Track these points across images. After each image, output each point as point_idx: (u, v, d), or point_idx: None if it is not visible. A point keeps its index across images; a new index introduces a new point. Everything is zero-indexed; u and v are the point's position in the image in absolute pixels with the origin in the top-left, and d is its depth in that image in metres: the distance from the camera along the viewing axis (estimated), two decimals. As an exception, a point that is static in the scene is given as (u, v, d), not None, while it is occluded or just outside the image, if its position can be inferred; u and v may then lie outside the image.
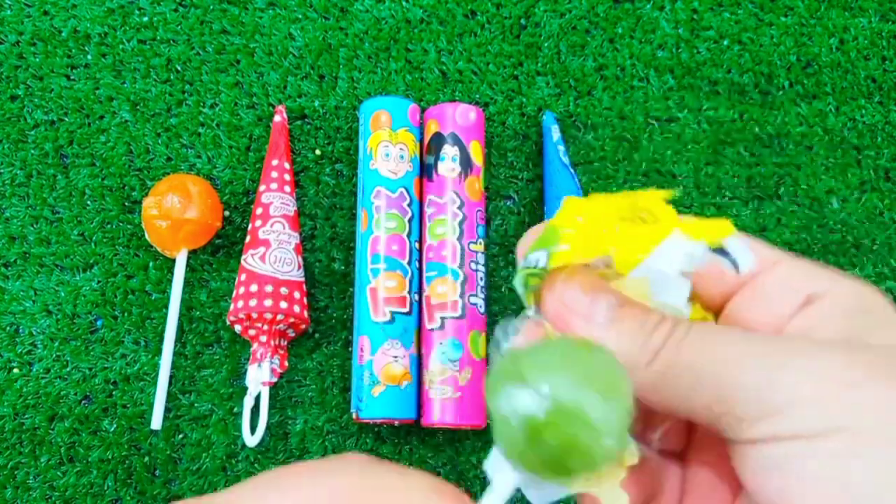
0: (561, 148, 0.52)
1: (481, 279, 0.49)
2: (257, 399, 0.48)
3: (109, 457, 0.47)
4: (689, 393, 0.20)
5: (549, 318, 0.22)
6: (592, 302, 0.21)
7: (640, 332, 0.20)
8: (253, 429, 0.47)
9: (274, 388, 0.49)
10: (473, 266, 0.49)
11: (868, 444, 0.17)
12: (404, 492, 0.19)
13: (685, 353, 0.20)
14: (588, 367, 0.19)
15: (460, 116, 0.50)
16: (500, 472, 0.20)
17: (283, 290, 0.47)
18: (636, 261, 0.21)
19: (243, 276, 0.48)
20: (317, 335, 0.50)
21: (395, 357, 0.47)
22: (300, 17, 0.55)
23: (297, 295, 0.48)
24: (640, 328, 0.21)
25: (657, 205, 0.21)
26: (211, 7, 0.55)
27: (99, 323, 0.50)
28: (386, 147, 0.50)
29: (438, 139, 0.50)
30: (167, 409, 0.48)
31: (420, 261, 0.49)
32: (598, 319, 0.21)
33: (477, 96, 0.55)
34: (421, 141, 0.52)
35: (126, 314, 0.50)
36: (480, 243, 0.49)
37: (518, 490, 0.20)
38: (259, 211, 0.49)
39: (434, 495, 0.19)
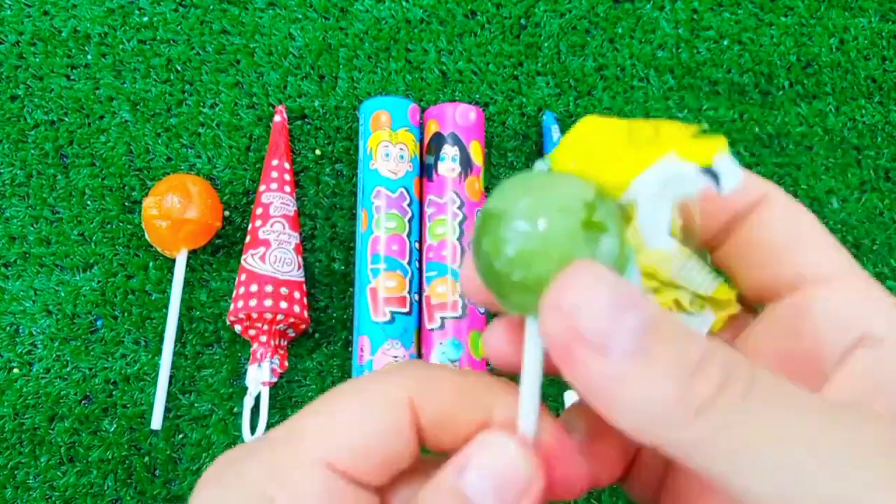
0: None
1: (481, 279, 0.49)
2: (257, 399, 0.48)
3: (109, 457, 0.47)
4: (735, 479, 0.15)
5: (549, 342, 0.16)
6: (615, 321, 0.15)
7: (677, 376, 0.15)
8: (253, 429, 0.47)
9: (274, 388, 0.49)
10: (473, 266, 0.49)
11: None
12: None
13: (743, 424, 0.15)
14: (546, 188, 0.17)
15: (460, 116, 0.50)
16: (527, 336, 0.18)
17: (283, 290, 0.47)
18: (623, 184, 0.18)
19: (243, 276, 0.48)
20: (317, 335, 0.50)
21: (395, 357, 0.47)
22: (300, 17, 0.55)
23: (297, 295, 0.48)
24: (677, 368, 0.15)
25: (670, 128, 0.18)
26: (211, 7, 0.55)
27: (99, 323, 0.50)
28: (386, 147, 0.50)
29: (438, 139, 0.50)
30: (167, 409, 0.48)
31: (420, 261, 0.49)
32: (618, 350, 0.15)
33: (477, 96, 0.55)
34: (421, 141, 0.52)
35: (126, 314, 0.50)
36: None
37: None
38: (259, 211, 0.49)
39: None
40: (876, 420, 0.16)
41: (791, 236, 0.19)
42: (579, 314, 0.15)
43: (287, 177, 0.51)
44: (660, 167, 0.17)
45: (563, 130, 0.54)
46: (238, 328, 0.49)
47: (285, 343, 0.49)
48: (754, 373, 0.15)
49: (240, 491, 0.18)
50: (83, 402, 0.48)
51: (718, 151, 0.17)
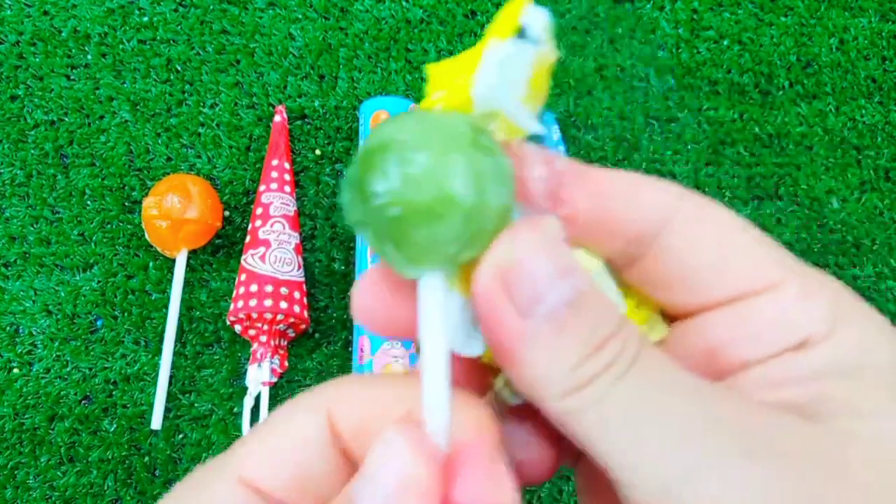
0: (561, 148, 0.52)
1: (481, 279, 0.49)
2: (257, 399, 0.48)
3: (109, 457, 0.47)
4: (595, 449, 0.16)
5: (477, 293, 0.16)
6: (548, 288, 0.16)
7: (578, 351, 0.16)
8: (253, 429, 0.47)
9: (274, 388, 0.49)
10: (473, 266, 0.49)
11: None
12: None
13: (608, 402, 0.16)
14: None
15: (460, 116, 0.50)
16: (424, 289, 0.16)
17: (283, 290, 0.47)
18: (465, 92, 0.16)
19: (243, 276, 0.48)
20: (317, 335, 0.50)
21: (395, 357, 0.47)
22: (300, 17, 0.55)
23: (297, 295, 0.48)
24: (581, 344, 0.16)
25: (491, 25, 0.17)
26: (211, 7, 0.55)
27: (99, 323, 0.50)
28: (386, 147, 0.50)
29: (438, 139, 0.50)
30: (167, 409, 0.48)
31: (420, 261, 0.49)
32: (540, 315, 0.16)
33: (477, 96, 0.55)
34: (421, 141, 0.52)
35: (126, 314, 0.50)
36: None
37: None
38: (259, 211, 0.49)
39: None
40: (735, 399, 0.16)
41: (711, 251, 0.18)
42: (517, 274, 0.16)
43: (287, 177, 0.51)
44: (485, 59, 0.16)
45: (563, 130, 0.54)
46: (238, 328, 0.49)
47: (285, 343, 0.49)
48: (640, 354, 0.16)
49: None
50: (83, 402, 0.48)
51: (521, 11, 0.16)
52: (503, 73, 0.16)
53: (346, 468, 0.18)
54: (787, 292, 0.17)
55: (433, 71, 0.18)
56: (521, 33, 0.16)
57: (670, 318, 0.19)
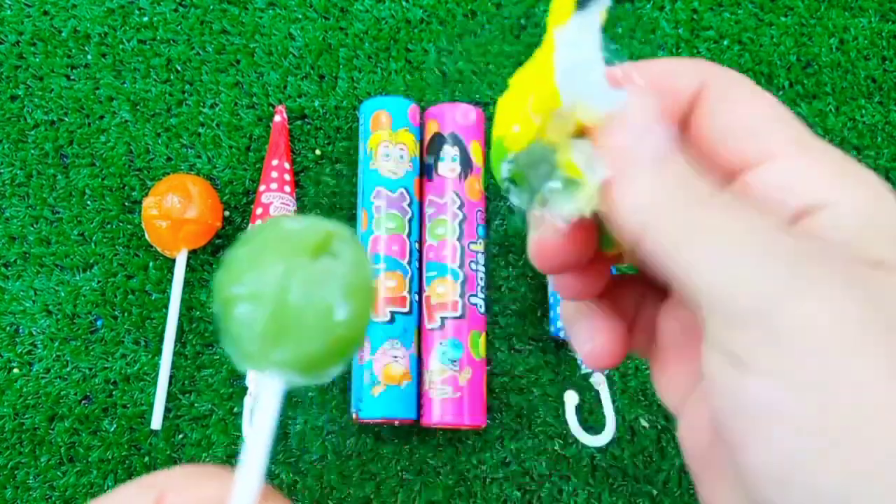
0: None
1: (481, 279, 0.49)
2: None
3: (109, 457, 0.47)
4: (682, 271, 0.17)
5: (608, 155, 0.18)
6: (645, 133, 0.18)
7: (670, 184, 0.18)
8: (253, 429, 0.47)
9: (274, 388, 0.49)
10: (473, 266, 0.49)
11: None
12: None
13: (696, 222, 0.17)
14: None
15: (460, 116, 0.50)
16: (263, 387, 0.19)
17: (283, 290, 0.47)
18: (550, 85, 0.18)
19: (243, 276, 0.48)
20: (317, 335, 0.50)
21: (395, 357, 0.47)
22: (300, 17, 0.55)
23: (297, 295, 0.48)
24: (675, 179, 0.18)
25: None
26: (211, 7, 0.55)
27: (99, 323, 0.50)
28: (386, 147, 0.50)
29: (438, 139, 0.50)
30: (167, 409, 0.48)
31: (420, 261, 0.49)
32: (644, 161, 0.18)
33: (477, 96, 0.55)
34: (421, 141, 0.52)
35: (126, 314, 0.50)
36: (480, 243, 0.49)
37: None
38: (259, 211, 0.49)
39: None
40: (808, 235, 0.17)
41: (737, 120, 0.19)
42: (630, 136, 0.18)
43: (287, 177, 0.51)
44: (558, 46, 0.18)
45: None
46: (238, 328, 0.49)
47: (285, 343, 0.49)
48: (732, 194, 0.18)
49: None
50: (83, 402, 0.48)
51: None
52: (577, 51, 0.18)
53: None
54: (785, 163, 0.18)
55: (502, 103, 0.20)
56: (579, 4, 0.18)
57: None
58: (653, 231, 0.17)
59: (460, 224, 0.49)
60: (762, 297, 0.15)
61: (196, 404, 0.48)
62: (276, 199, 0.50)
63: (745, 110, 0.19)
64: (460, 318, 0.47)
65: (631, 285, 0.23)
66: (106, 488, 0.47)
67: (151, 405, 0.48)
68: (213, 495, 0.20)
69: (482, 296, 0.49)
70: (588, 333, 0.22)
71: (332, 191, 0.53)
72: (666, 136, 0.18)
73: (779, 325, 0.15)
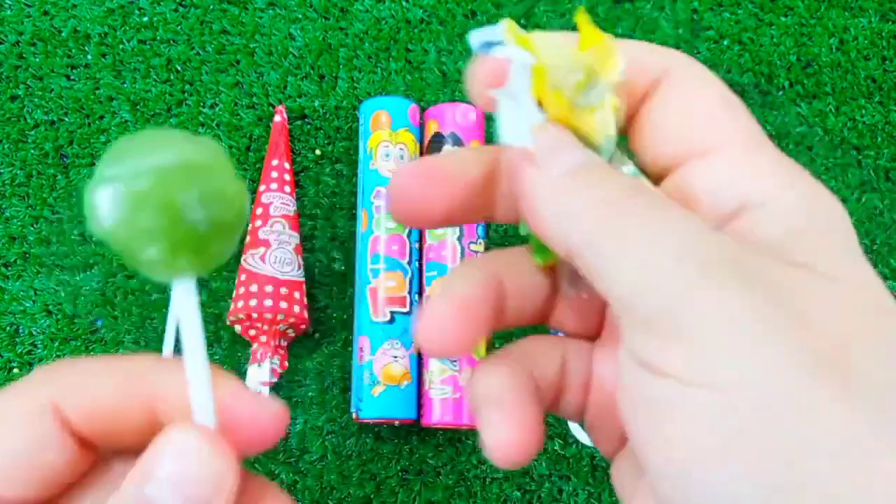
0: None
1: (481, 279, 0.49)
2: (257, 399, 0.48)
3: (109, 457, 0.47)
4: (601, 269, 0.17)
5: (509, 168, 0.19)
6: (552, 154, 0.18)
7: (593, 186, 0.17)
8: (253, 429, 0.47)
9: (274, 388, 0.49)
10: (473, 266, 0.49)
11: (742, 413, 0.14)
12: None
13: (614, 218, 0.17)
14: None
15: (460, 116, 0.50)
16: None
17: (283, 291, 0.47)
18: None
19: (243, 276, 0.48)
20: (317, 335, 0.50)
21: (395, 357, 0.47)
22: (300, 17, 0.55)
23: (297, 295, 0.48)
24: (599, 181, 0.17)
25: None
26: (211, 7, 0.55)
27: (99, 323, 0.50)
28: (386, 147, 0.50)
29: (438, 139, 0.50)
30: (167, 409, 0.48)
31: (420, 261, 0.49)
32: (556, 167, 0.18)
33: (477, 96, 0.55)
34: (421, 141, 0.52)
35: (126, 314, 0.50)
36: (480, 243, 0.49)
37: None
38: (259, 211, 0.49)
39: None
40: (725, 234, 0.17)
41: (684, 112, 0.19)
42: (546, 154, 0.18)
43: (287, 177, 0.51)
44: (499, 105, 0.20)
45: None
46: (238, 328, 0.49)
47: (285, 343, 0.49)
48: (655, 193, 0.17)
49: None
50: (83, 402, 0.48)
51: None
52: (515, 108, 0.19)
53: (76, 448, 0.18)
54: (726, 158, 0.18)
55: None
56: (481, 47, 0.21)
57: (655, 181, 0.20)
58: (573, 237, 0.17)
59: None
60: (668, 297, 0.15)
61: (196, 404, 0.48)
62: (276, 198, 0.50)
63: (693, 101, 0.19)
64: (460, 318, 0.47)
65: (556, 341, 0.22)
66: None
67: (151, 405, 0.48)
68: (113, 392, 0.18)
69: (482, 296, 0.49)
70: (500, 421, 0.19)
71: (332, 191, 0.53)
72: (580, 156, 0.18)
73: (681, 324, 0.15)
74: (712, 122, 0.18)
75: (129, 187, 0.16)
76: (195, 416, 0.18)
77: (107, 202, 0.16)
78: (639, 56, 0.19)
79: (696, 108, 0.19)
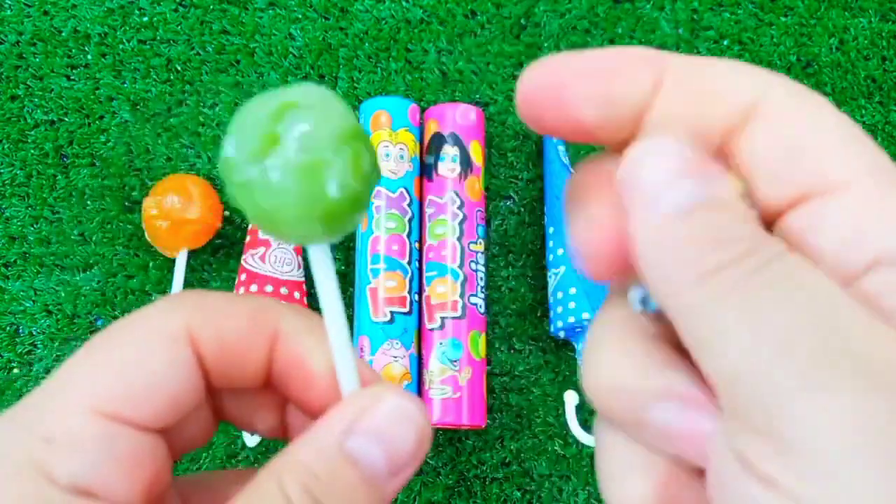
0: (561, 148, 0.52)
1: (481, 279, 0.49)
2: (257, 399, 0.48)
3: (109, 457, 0.47)
4: (703, 350, 0.14)
5: (620, 184, 0.16)
6: (671, 184, 0.15)
7: (703, 245, 0.14)
8: (253, 429, 0.47)
9: (274, 388, 0.49)
10: (473, 266, 0.49)
11: None
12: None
13: (733, 300, 0.14)
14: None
15: (460, 116, 0.50)
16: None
17: (283, 291, 0.47)
18: None
19: (243, 276, 0.48)
20: (317, 335, 0.50)
21: (395, 357, 0.47)
22: (300, 17, 0.55)
23: (297, 295, 0.48)
24: (714, 235, 0.14)
25: None
26: (211, 7, 0.55)
27: (99, 323, 0.50)
28: (386, 147, 0.50)
29: (438, 139, 0.50)
30: (167, 409, 0.48)
31: (420, 261, 0.49)
32: (665, 206, 0.15)
33: (477, 96, 0.55)
34: (421, 141, 0.52)
35: (126, 314, 0.50)
36: (480, 243, 0.49)
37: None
38: (259, 211, 0.49)
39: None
40: (863, 315, 0.14)
41: (794, 145, 0.15)
42: (644, 169, 0.15)
43: (287, 177, 0.51)
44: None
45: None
46: (238, 328, 0.49)
47: (285, 343, 0.49)
48: (776, 254, 0.14)
49: (15, 433, 0.16)
50: (83, 402, 0.48)
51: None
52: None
53: (202, 388, 0.18)
54: (856, 196, 0.15)
55: None
56: None
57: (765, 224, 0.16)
58: (668, 285, 0.15)
59: (460, 224, 0.49)
60: (770, 393, 0.13)
61: (196, 404, 0.48)
62: (276, 199, 0.50)
63: (804, 130, 0.15)
64: (460, 318, 0.47)
65: None
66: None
67: (151, 405, 0.48)
68: (243, 325, 0.18)
69: (482, 296, 0.49)
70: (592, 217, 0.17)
71: (332, 191, 0.53)
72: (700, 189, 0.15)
73: (781, 426, 0.13)
74: (830, 153, 0.15)
75: (307, 156, 0.16)
76: (339, 378, 0.18)
77: (276, 168, 0.16)
78: (727, 77, 0.16)
79: (809, 138, 0.15)
